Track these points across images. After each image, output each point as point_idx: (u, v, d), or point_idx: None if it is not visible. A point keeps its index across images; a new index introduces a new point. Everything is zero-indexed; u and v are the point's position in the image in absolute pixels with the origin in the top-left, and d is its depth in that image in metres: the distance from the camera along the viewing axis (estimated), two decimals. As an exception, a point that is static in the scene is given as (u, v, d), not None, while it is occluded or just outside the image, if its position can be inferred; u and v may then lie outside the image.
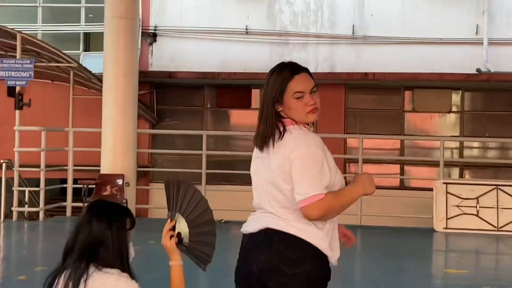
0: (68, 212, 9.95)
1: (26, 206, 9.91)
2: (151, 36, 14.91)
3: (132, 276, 2.40)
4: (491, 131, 14.21)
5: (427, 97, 14.32)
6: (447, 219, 8.99)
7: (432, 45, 13.99)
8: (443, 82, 13.84)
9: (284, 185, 2.45)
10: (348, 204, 2.48)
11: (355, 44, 14.37)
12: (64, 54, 11.38)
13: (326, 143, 2.53)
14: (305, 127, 2.53)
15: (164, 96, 14.90)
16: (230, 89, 14.71)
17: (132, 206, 9.21)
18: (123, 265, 2.39)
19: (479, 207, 8.91)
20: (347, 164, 14.07)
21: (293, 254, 2.41)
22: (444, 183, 9.18)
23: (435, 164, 12.78)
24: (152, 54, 14.94)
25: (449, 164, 14.07)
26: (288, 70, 2.52)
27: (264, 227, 2.48)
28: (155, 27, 14.94)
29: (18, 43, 9.90)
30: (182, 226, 2.49)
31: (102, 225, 2.38)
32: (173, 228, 2.49)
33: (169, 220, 2.49)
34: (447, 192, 9.04)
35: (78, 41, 16.38)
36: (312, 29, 14.56)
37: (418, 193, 12.05)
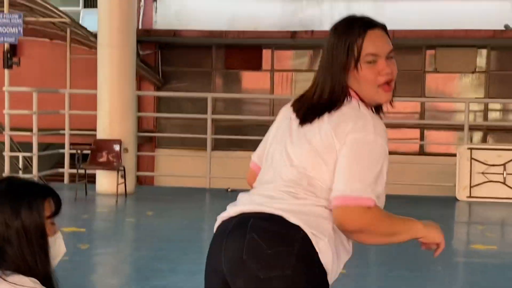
0: (66, 179, 9.51)
1: (20, 172, 9.42)
2: (155, -9, 14.30)
3: (53, 286, 1.76)
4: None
5: (450, 57, 13.70)
6: (470, 187, 8.60)
7: (456, 0, 13.32)
8: (467, 40, 13.20)
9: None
10: (394, 237, 1.81)
11: (373, 0, 13.66)
12: (59, 10, 10.74)
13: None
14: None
15: (170, 57, 14.32)
16: (239, 49, 14.10)
17: (131, 174, 8.70)
18: (38, 269, 1.73)
19: (507, 174, 8.53)
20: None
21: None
22: (468, 148, 8.72)
23: (457, 128, 12.13)
24: (156, 11, 14.33)
25: (472, 128, 13.43)
26: (359, 24, 1.87)
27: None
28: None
29: (6, -4, 9.22)
30: None
31: (5, 214, 1.73)
32: None
33: None
34: (471, 158, 8.60)
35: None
36: (327, -16, 13.85)
37: (439, 159, 11.53)
